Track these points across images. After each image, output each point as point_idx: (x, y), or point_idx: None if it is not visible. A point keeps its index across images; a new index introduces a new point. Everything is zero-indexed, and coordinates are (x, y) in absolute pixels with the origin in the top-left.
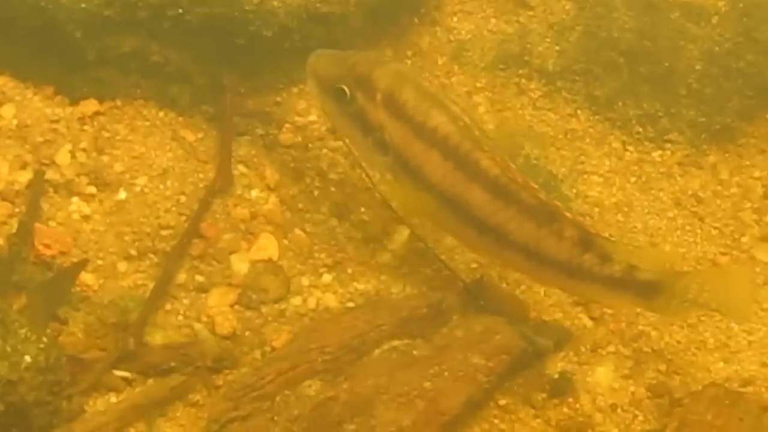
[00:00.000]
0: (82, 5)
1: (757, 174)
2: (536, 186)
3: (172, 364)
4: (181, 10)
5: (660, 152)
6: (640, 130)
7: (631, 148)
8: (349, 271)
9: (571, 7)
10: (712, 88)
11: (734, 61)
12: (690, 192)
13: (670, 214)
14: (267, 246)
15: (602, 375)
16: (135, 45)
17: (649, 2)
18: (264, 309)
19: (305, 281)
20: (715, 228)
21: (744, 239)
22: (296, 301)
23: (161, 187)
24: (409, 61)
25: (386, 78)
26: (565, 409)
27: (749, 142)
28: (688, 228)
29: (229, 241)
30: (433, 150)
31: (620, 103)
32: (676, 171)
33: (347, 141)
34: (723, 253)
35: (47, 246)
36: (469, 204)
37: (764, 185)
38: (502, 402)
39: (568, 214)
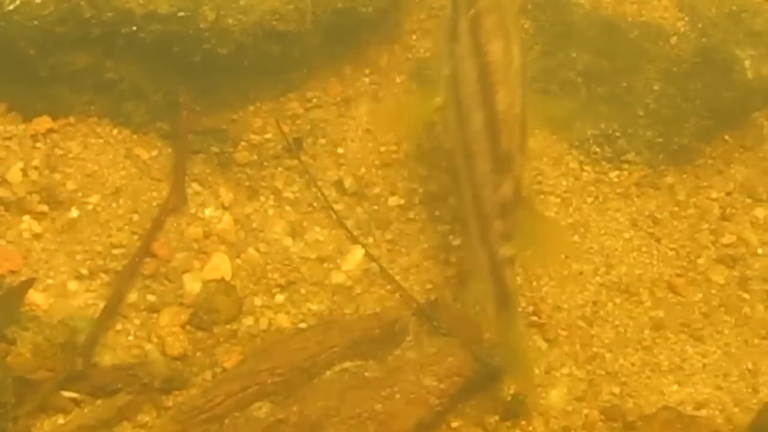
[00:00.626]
0: (35, 22)
1: (714, 195)
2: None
3: (120, 385)
4: (135, 28)
5: (617, 172)
6: (598, 150)
7: (588, 168)
8: (303, 291)
9: (530, 25)
10: (669, 109)
11: (692, 81)
12: (647, 213)
13: (627, 235)
14: (220, 265)
15: (556, 397)
16: (89, 62)
17: (607, 22)
18: (216, 329)
19: (258, 301)
20: (672, 249)
21: (700, 261)
22: (248, 321)
23: (114, 205)
24: (366, 79)
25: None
26: None
27: (707, 162)
28: (644, 249)
29: (182, 261)
30: (474, 70)
31: (578, 123)
32: (633, 191)
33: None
34: (679, 275)
35: None
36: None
37: (721, 206)
38: (455, 424)
39: (520, 175)
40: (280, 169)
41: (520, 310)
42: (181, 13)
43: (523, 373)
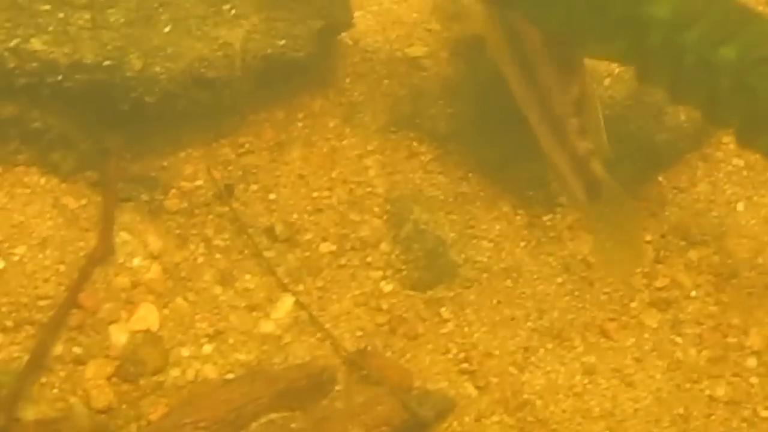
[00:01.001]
0: None
1: (648, 237)
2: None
3: None
4: (60, 77)
5: (550, 216)
6: (531, 193)
7: (521, 212)
8: (231, 341)
9: (465, 68)
10: None
11: (625, 124)
12: (580, 257)
13: (559, 280)
14: (147, 316)
15: None
16: (14, 112)
17: None
18: (142, 381)
19: (185, 352)
20: (605, 293)
21: (633, 304)
22: (175, 372)
23: (40, 256)
24: (300, 124)
25: None
26: None
27: (640, 205)
28: (576, 293)
29: (109, 312)
30: None
31: (511, 167)
32: (566, 235)
33: None
34: (611, 319)
35: None
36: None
37: (656, 249)
38: None
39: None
40: (210, 216)
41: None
42: (107, 62)
43: (632, 254)
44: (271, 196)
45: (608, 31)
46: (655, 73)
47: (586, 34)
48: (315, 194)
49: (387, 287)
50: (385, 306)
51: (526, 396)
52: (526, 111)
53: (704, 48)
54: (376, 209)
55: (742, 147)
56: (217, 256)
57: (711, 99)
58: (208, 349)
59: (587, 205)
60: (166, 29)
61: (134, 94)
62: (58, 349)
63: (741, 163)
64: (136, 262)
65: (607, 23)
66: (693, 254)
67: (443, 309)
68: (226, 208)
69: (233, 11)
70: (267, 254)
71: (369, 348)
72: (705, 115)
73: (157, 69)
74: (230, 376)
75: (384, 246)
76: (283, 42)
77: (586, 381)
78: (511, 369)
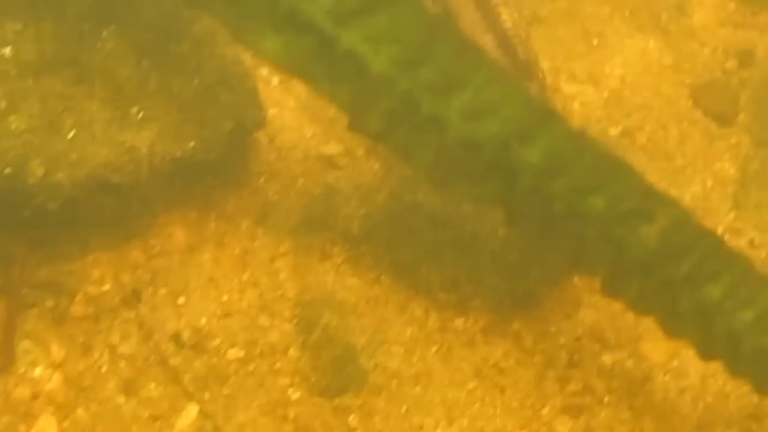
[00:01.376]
0: None
1: (562, 341)
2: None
3: None
4: None
5: (463, 319)
6: (444, 296)
7: (434, 315)
8: None
9: (380, 167)
10: (515, 254)
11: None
12: (492, 361)
13: (470, 386)
14: (46, 429)
15: None
16: None
17: None
18: None
19: None
20: (516, 399)
21: (545, 411)
22: None
23: None
24: (212, 225)
25: None
26: None
27: (555, 307)
28: (487, 400)
29: (6, 425)
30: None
31: (424, 269)
32: (479, 339)
33: None
34: (522, 426)
35: None
36: None
37: (569, 352)
38: None
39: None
40: (117, 322)
41: None
42: (8, 170)
43: None
44: (180, 300)
45: (479, 173)
46: (525, 219)
47: (458, 175)
48: (225, 298)
49: (294, 395)
50: (291, 414)
51: None
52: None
53: (573, 196)
54: (286, 313)
55: (609, 297)
56: (122, 364)
57: (579, 247)
58: None
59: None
60: (70, 135)
61: (36, 201)
62: None
63: None
64: (38, 371)
65: (479, 165)
66: (607, 358)
67: (351, 417)
68: (133, 314)
69: (141, 114)
70: (173, 361)
71: None
72: (573, 262)
73: (60, 175)
74: None
75: (293, 352)
76: (192, 144)
77: None
78: None
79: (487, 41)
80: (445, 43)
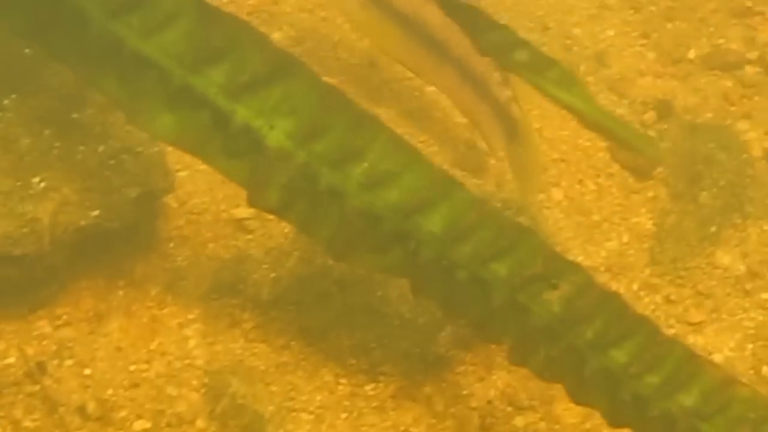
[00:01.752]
0: None
1: (474, 404)
2: None
3: None
4: None
5: (373, 385)
6: (354, 361)
7: (344, 381)
8: None
9: (290, 230)
10: (425, 318)
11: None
12: (402, 427)
13: None
14: None
15: None
16: None
17: None
18: None
19: None
20: None
21: None
22: None
23: None
24: (120, 292)
25: None
26: None
27: (467, 370)
28: None
29: None
30: None
31: (334, 334)
32: (389, 405)
33: None
34: None
35: None
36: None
37: (481, 416)
38: None
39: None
40: (20, 396)
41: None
42: None
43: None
44: (87, 371)
45: (381, 243)
46: (429, 287)
47: (360, 246)
48: (132, 368)
49: None
50: None
51: None
52: (442, 83)
53: (475, 264)
54: (194, 382)
55: (515, 364)
56: None
57: (484, 315)
58: None
59: (508, 145)
60: None
61: None
62: None
63: None
64: None
65: (379, 235)
66: (519, 420)
67: None
68: (38, 387)
69: (42, 184)
70: None
71: None
72: (478, 331)
73: None
74: None
75: (200, 422)
76: (97, 212)
77: None
78: None
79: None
80: (340, 113)
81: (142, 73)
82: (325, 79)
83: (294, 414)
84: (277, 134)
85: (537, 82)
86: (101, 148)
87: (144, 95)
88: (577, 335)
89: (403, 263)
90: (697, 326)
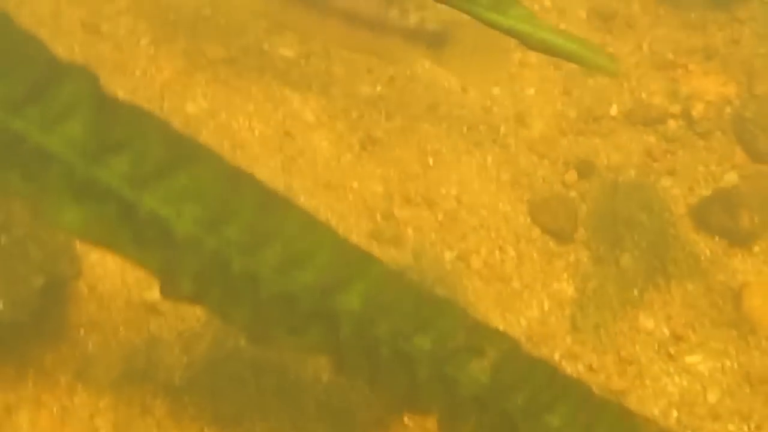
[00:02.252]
0: None
1: None
2: None
3: None
4: None
5: None
6: None
7: None
8: None
9: (202, 312)
10: (340, 399)
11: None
12: None
13: None
14: None
15: None
16: None
17: None
18: None
19: None
20: None
21: None
22: None
23: None
24: (30, 382)
25: None
26: None
27: None
28: None
29: None
30: None
31: (247, 420)
32: None
33: None
34: None
35: None
36: None
37: None
38: None
39: None
40: None
41: None
42: None
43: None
44: None
45: (299, 324)
46: (352, 365)
47: (278, 328)
48: None
49: None
50: None
51: None
52: (352, 46)
53: (398, 339)
54: None
55: None
56: None
57: (411, 388)
58: None
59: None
60: None
61: None
62: None
63: None
64: None
65: (297, 316)
66: None
67: None
68: None
69: None
70: None
71: None
72: (406, 404)
73: None
74: None
75: None
76: (0, 304)
77: None
78: None
79: None
80: (249, 197)
81: (45, 166)
82: (239, 151)
83: None
84: (185, 222)
85: (471, 10)
86: (4, 238)
87: (48, 190)
88: (508, 402)
89: (324, 342)
90: (620, 394)
